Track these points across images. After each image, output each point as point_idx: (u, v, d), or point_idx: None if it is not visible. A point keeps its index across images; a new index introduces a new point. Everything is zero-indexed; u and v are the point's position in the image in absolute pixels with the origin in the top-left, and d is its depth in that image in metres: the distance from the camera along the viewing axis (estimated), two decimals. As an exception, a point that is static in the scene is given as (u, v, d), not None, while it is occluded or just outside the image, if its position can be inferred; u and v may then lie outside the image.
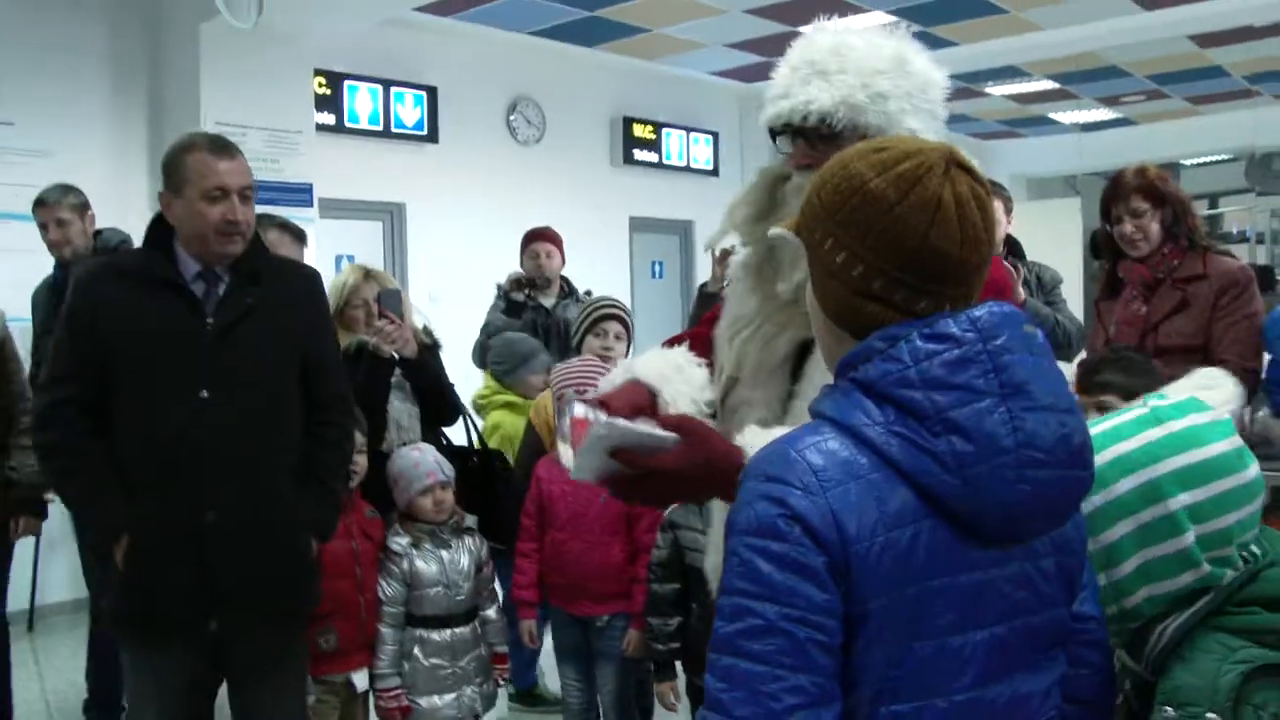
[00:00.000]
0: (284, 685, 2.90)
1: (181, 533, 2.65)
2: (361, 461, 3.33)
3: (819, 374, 1.79)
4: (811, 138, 1.83)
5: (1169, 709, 1.37)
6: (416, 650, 3.35)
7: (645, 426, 1.59)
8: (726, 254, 4.57)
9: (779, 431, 1.64)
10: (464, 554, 3.44)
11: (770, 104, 1.89)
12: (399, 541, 3.38)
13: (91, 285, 2.76)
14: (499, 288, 5.28)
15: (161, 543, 2.66)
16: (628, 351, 3.95)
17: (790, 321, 1.88)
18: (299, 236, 4.11)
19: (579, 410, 1.71)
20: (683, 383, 1.91)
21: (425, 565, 3.36)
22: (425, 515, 3.41)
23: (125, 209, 6.54)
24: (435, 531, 3.42)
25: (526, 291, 5.23)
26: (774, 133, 1.92)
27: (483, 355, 5.02)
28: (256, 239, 2.83)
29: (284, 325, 2.82)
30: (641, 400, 1.85)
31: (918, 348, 1.25)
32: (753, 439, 1.63)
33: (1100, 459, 1.46)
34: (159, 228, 2.76)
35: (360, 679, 3.36)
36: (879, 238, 1.28)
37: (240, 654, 2.81)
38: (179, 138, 2.80)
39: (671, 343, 2.09)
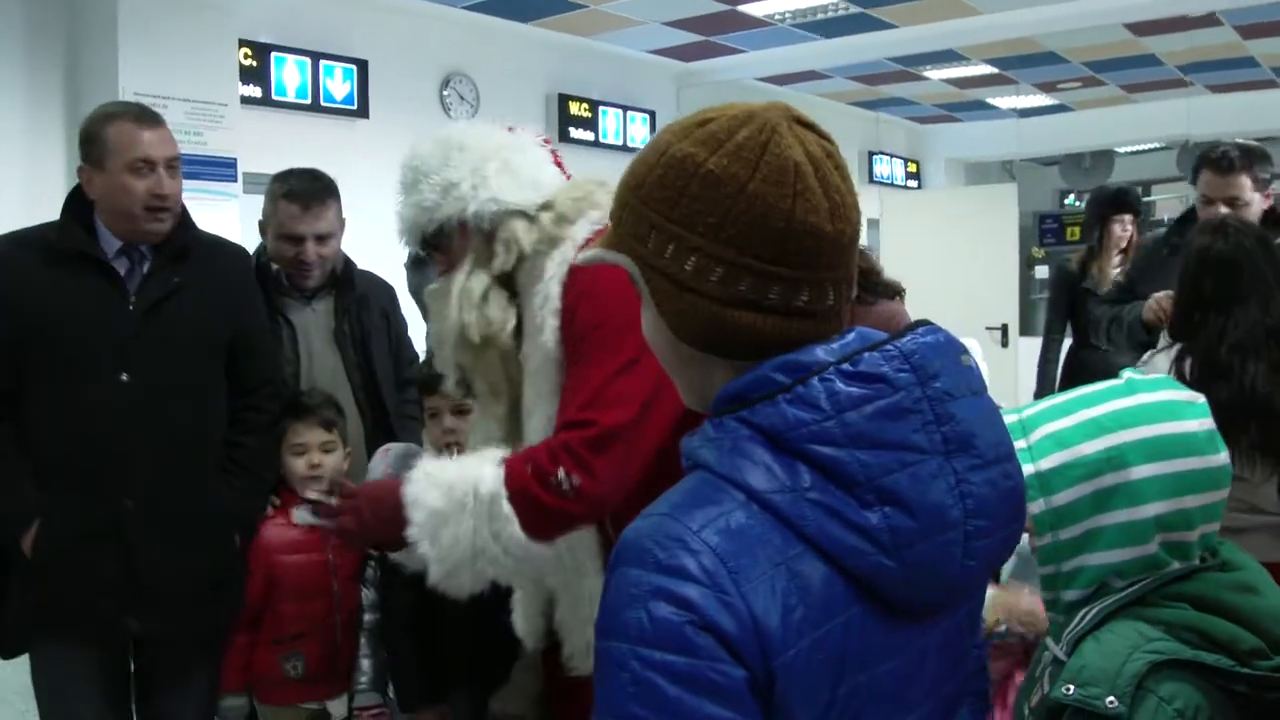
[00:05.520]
0: (197, 695, 2.75)
1: (99, 522, 2.52)
2: (330, 461, 2.93)
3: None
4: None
5: (1070, 687, 1.33)
6: None
7: None
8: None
9: (449, 459, 1.92)
10: None
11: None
12: None
13: (0, 260, 2.60)
14: None
15: (77, 533, 2.52)
16: None
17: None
18: None
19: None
20: None
21: None
22: None
23: (39, 181, 6.31)
24: None
25: None
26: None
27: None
28: (185, 214, 2.71)
29: (212, 306, 2.70)
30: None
31: (839, 391, 1.00)
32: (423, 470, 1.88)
33: (1069, 421, 1.44)
34: (77, 201, 2.62)
35: (337, 707, 2.93)
36: (734, 226, 1.03)
37: (157, 656, 2.70)
38: (97, 108, 2.67)
39: None
